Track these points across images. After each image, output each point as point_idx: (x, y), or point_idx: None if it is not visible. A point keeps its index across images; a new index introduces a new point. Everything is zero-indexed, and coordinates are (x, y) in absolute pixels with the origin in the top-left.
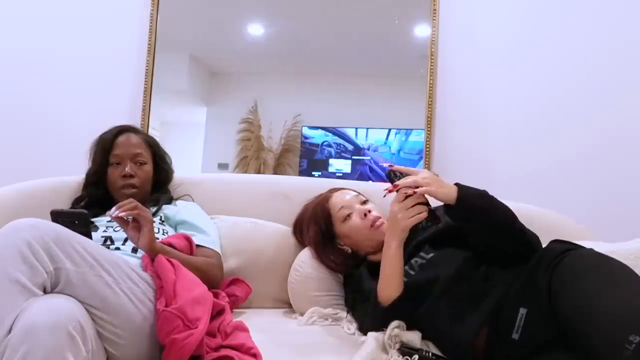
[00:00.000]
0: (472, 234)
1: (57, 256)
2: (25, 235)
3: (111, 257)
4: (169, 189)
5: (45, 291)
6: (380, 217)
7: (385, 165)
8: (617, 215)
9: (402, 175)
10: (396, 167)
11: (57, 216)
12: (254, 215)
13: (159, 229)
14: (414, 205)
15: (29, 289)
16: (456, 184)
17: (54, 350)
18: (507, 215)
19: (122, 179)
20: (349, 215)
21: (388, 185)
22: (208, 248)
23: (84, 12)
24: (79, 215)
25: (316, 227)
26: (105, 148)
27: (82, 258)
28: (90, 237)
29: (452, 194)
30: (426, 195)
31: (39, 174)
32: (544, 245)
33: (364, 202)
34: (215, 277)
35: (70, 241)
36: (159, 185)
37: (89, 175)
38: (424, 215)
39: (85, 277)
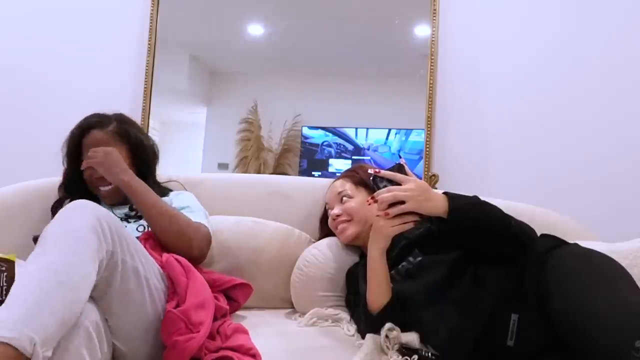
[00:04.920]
0: (466, 242)
1: (113, 239)
2: (96, 212)
3: (144, 251)
4: (158, 182)
5: (99, 270)
6: (345, 222)
7: (371, 171)
8: (617, 215)
9: (388, 182)
10: (383, 172)
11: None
12: (253, 215)
13: (145, 226)
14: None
15: (94, 260)
16: (445, 193)
17: (72, 344)
18: (502, 222)
19: (97, 180)
20: (330, 211)
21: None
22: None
23: (84, 12)
24: None
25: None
26: (73, 154)
27: (128, 248)
28: None
29: (440, 206)
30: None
31: (39, 173)
32: None
33: (346, 200)
34: (192, 241)
35: (122, 230)
36: (142, 173)
37: (66, 178)
38: (408, 226)
39: (125, 265)
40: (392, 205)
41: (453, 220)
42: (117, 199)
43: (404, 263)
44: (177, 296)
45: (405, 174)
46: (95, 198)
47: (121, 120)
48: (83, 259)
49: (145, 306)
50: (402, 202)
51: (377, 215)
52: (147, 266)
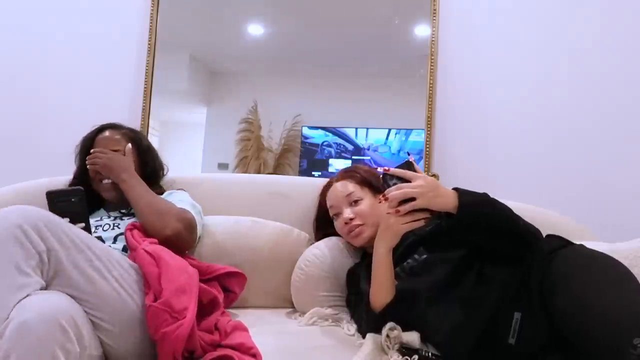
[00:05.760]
0: (474, 239)
1: (48, 239)
2: (17, 219)
3: (102, 245)
4: (161, 186)
5: (42, 273)
6: (360, 226)
7: (381, 169)
8: (617, 215)
9: (398, 179)
10: (392, 170)
11: (54, 196)
12: (253, 215)
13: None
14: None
15: (23, 271)
16: (455, 189)
17: (45, 341)
18: (510, 219)
19: (98, 174)
20: (336, 215)
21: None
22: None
23: (84, 12)
24: (74, 193)
25: (317, 208)
26: (86, 147)
27: (72, 242)
28: (87, 214)
29: (450, 202)
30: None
31: (39, 174)
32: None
33: (355, 202)
34: (167, 221)
35: (61, 226)
36: (147, 179)
37: (75, 176)
38: (419, 223)
39: (75, 261)
40: (402, 202)
41: (462, 216)
42: (117, 195)
43: (409, 260)
44: (152, 288)
45: (415, 171)
46: (98, 198)
47: (134, 130)
48: (2, 285)
49: (117, 295)
50: (412, 199)
51: (388, 213)
52: (106, 257)
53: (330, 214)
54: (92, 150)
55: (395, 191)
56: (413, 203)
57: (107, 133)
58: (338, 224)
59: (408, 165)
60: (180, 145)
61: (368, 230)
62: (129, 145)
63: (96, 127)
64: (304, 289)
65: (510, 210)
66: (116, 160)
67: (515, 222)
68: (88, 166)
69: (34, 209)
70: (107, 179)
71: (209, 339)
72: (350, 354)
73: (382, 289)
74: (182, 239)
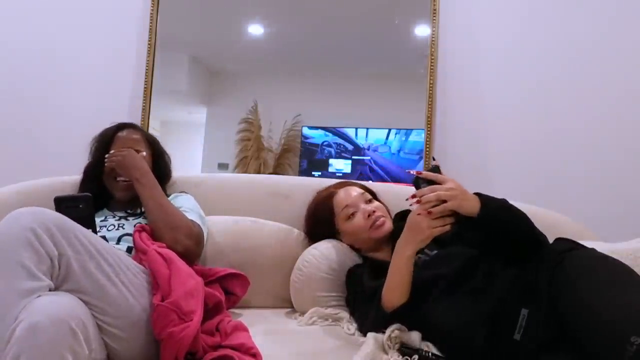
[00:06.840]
0: (490, 241)
1: (60, 243)
2: (29, 222)
3: (112, 249)
4: (165, 188)
5: (51, 277)
6: (383, 217)
7: (413, 172)
8: (617, 215)
9: (429, 182)
10: (424, 173)
11: (61, 202)
12: (253, 215)
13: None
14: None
15: (34, 275)
16: (476, 194)
17: (55, 344)
18: (527, 225)
19: (115, 171)
20: (352, 214)
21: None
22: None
23: (84, 12)
24: (82, 199)
25: (311, 222)
26: (105, 142)
27: (83, 247)
28: (94, 220)
29: (476, 206)
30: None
31: (39, 173)
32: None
33: (369, 201)
34: (178, 236)
35: (73, 230)
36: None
37: (87, 170)
38: (447, 228)
39: (85, 266)
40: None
41: (483, 220)
42: (129, 194)
43: (420, 255)
44: (161, 289)
45: (441, 174)
46: (107, 196)
47: (151, 134)
48: (11, 288)
49: (124, 300)
50: (443, 202)
51: (418, 214)
52: (116, 262)
53: (344, 216)
54: (111, 152)
55: (429, 193)
56: (445, 205)
57: (125, 132)
58: (357, 221)
59: (436, 169)
60: (180, 145)
61: (388, 221)
62: (143, 152)
63: (114, 124)
64: (303, 289)
65: (525, 216)
66: (130, 158)
67: (531, 227)
68: (106, 164)
69: (48, 211)
70: (122, 177)
71: (211, 341)
72: (351, 353)
73: (398, 290)
74: (191, 254)
